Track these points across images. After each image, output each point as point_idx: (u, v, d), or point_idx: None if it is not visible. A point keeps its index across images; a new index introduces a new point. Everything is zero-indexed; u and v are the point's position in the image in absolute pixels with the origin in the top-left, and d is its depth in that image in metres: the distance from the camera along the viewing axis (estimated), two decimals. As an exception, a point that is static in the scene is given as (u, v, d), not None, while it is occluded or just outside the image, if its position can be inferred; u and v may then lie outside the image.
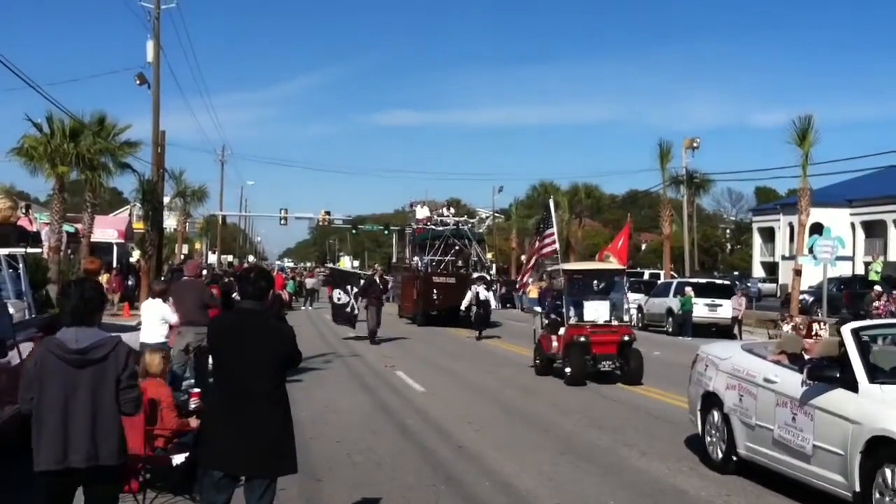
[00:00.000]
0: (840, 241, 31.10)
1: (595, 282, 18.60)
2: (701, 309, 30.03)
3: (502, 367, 19.44)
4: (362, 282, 26.18)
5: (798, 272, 32.27)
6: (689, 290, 29.97)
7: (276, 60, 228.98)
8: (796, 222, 32.60)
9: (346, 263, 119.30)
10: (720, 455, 9.31)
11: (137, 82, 33.53)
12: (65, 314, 5.00)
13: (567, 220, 58.67)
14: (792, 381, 8.02)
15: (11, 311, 8.75)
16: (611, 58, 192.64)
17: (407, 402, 14.22)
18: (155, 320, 11.78)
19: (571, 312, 17.14)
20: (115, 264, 38.79)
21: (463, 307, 27.65)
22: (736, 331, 30.04)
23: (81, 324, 4.89)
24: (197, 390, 9.34)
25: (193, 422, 7.86)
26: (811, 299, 36.50)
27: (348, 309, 25.60)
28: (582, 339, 16.41)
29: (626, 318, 18.20)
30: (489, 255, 36.22)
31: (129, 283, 35.41)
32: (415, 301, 32.82)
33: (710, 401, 9.53)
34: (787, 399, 8.01)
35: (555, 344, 17.11)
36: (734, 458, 9.03)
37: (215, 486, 5.49)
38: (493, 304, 28.90)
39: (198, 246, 77.06)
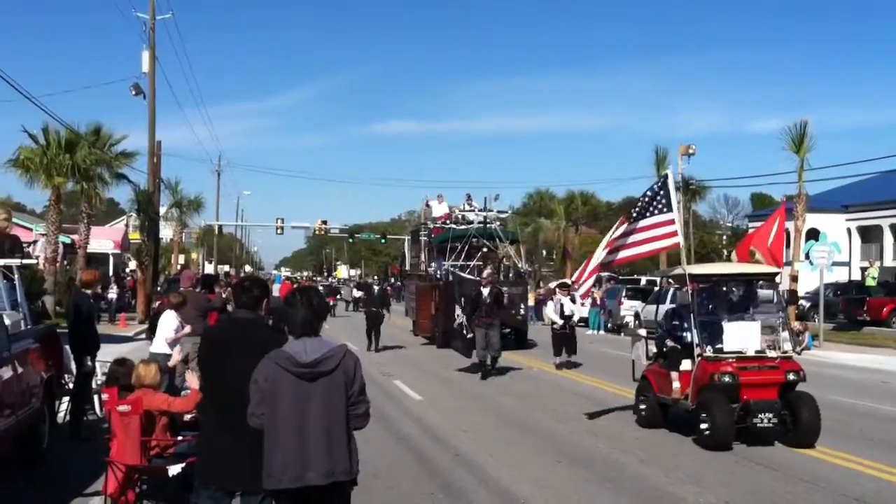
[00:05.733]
0: (836, 247, 31.36)
1: (733, 291, 12.58)
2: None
3: (498, 375, 19.37)
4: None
5: (794, 278, 32.33)
6: (685, 296, 29.88)
7: (273, 71, 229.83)
8: (792, 228, 32.67)
9: (342, 273, 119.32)
10: None
11: (133, 93, 33.63)
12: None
13: (563, 227, 58.75)
14: None
15: (7, 322, 8.71)
16: (605, 67, 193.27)
17: (404, 410, 14.20)
18: (166, 332, 11.96)
19: (702, 337, 11.65)
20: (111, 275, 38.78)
21: (556, 322, 21.08)
22: None
23: None
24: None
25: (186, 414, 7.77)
26: (808, 305, 36.55)
27: (465, 331, 21.73)
28: (727, 378, 11.10)
29: (786, 346, 11.93)
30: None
31: (111, 296, 34.65)
32: (433, 317, 26.61)
33: None
34: None
35: (676, 384, 11.96)
36: None
37: (211, 498, 5.46)
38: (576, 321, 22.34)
39: (194, 256, 77.05)
